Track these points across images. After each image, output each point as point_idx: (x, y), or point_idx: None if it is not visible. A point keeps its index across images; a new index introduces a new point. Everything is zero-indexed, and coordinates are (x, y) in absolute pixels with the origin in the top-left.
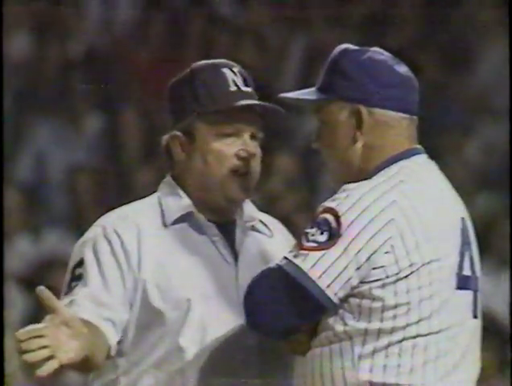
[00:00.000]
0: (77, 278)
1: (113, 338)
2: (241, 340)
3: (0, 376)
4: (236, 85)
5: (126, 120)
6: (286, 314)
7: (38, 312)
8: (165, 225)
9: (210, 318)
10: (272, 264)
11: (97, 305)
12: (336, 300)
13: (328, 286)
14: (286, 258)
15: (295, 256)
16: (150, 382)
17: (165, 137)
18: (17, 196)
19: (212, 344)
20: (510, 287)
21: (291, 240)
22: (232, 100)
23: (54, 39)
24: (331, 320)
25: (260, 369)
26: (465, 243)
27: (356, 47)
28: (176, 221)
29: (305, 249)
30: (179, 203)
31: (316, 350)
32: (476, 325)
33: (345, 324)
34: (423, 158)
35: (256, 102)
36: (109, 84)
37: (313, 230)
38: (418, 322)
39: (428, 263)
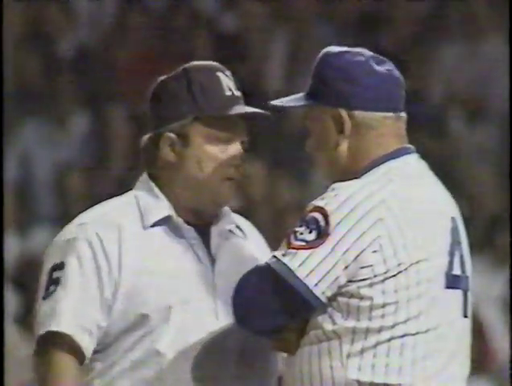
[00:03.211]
0: (55, 282)
1: (88, 348)
2: (219, 345)
3: (0, 375)
4: (230, 90)
5: (113, 118)
6: (274, 312)
7: (26, 310)
8: (144, 227)
9: (188, 322)
10: (261, 263)
11: (75, 315)
12: (323, 299)
13: (316, 285)
14: (274, 256)
15: (284, 255)
16: (126, 385)
17: (148, 136)
18: (6, 195)
19: (190, 349)
20: (510, 287)
21: (263, 242)
22: (228, 106)
23: (41, 38)
24: (319, 319)
25: (239, 374)
26: (455, 242)
27: (336, 51)
28: (155, 223)
29: (293, 248)
30: (159, 204)
31: (305, 348)
32: (465, 324)
33: (334, 323)
34: (413, 158)
35: (256, 110)
36: (95, 83)
37: (302, 228)
38: (406, 321)
39: (417, 262)
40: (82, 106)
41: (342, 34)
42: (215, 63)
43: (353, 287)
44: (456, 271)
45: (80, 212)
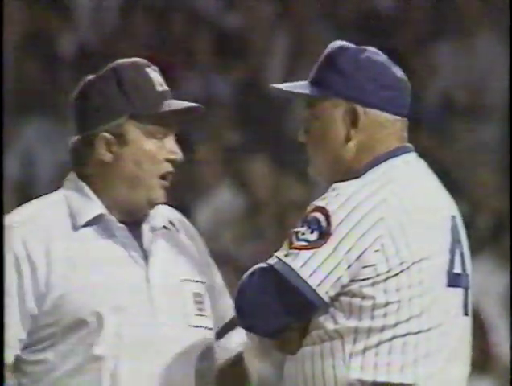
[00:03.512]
0: None
1: (8, 362)
2: (157, 346)
3: (0, 375)
4: (160, 85)
5: None
6: (277, 313)
7: None
8: (75, 228)
9: (124, 324)
10: (262, 264)
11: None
12: (326, 298)
13: (319, 285)
14: (276, 257)
15: (286, 255)
16: None
17: (79, 137)
18: (6, 194)
19: (127, 352)
20: (510, 286)
21: (196, 234)
22: (160, 101)
23: (42, 37)
24: (321, 319)
25: (180, 376)
26: (456, 241)
27: (352, 45)
28: (87, 223)
29: (295, 248)
30: (90, 204)
31: (307, 348)
32: (466, 322)
33: (336, 323)
34: (412, 156)
35: (190, 104)
36: None
37: (303, 229)
38: (408, 319)
39: (418, 261)
40: None
41: (342, 32)
42: (141, 59)
43: (355, 286)
44: (457, 269)
45: None
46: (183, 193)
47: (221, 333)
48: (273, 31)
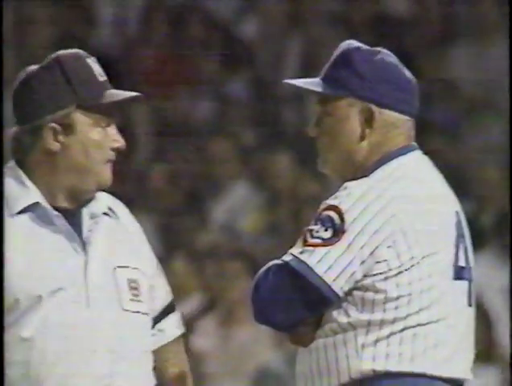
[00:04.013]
0: None
1: None
2: (89, 333)
3: (0, 374)
4: (101, 75)
5: (138, 116)
6: (293, 308)
7: None
8: (11, 215)
9: (58, 308)
10: (277, 261)
11: None
12: (341, 293)
13: (334, 281)
14: (291, 254)
15: (301, 253)
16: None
17: (23, 127)
18: None
19: (57, 338)
20: (510, 285)
21: (134, 221)
22: (103, 91)
23: (69, 39)
24: (335, 312)
25: (114, 358)
26: (460, 235)
27: (366, 46)
28: (22, 211)
29: (311, 245)
30: (25, 191)
31: (321, 340)
32: (471, 313)
33: (349, 316)
34: (418, 154)
35: (134, 93)
36: (119, 83)
37: (317, 227)
38: (418, 311)
39: (428, 256)
40: None
41: (354, 35)
42: (81, 51)
43: (368, 281)
44: (462, 262)
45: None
46: (201, 188)
47: (159, 318)
48: (287, 34)
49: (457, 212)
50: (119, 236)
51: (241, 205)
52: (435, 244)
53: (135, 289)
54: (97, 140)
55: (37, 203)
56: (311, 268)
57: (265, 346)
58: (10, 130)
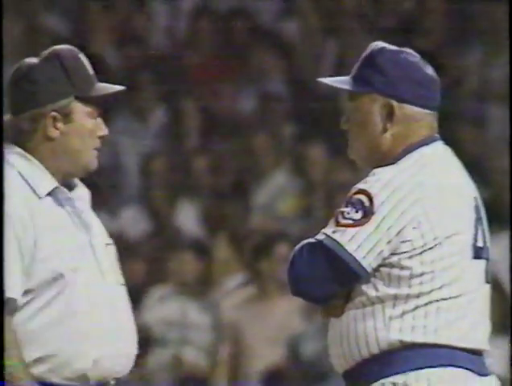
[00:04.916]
0: None
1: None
2: (109, 302)
3: (0, 374)
4: (91, 70)
5: (186, 112)
6: (325, 282)
7: None
8: (38, 198)
9: (83, 284)
10: (311, 239)
11: (17, 282)
12: (369, 269)
13: (364, 257)
14: (324, 234)
15: (334, 232)
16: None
17: (23, 115)
18: (96, 180)
19: (84, 312)
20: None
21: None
22: (94, 84)
23: (127, 42)
24: (364, 287)
25: (131, 330)
26: (478, 218)
27: (392, 47)
28: (48, 194)
29: (342, 226)
30: (46, 176)
31: (351, 312)
32: (487, 289)
33: (377, 290)
34: (440, 144)
35: (119, 87)
36: (171, 82)
37: (348, 209)
38: (441, 287)
39: (449, 236)
40: (160, 102)
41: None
42: (72, 46)
43: (394, 259)
44: (480, 243)
45: (161, 193)
46: (245, 176)
47: None
48: (323, 38)
49: (475, 198)
50: (95, 216)
51: (280, 191)
52: (456, 226)
53: (117, 263)
54: (90, 128)
55: (57, 186)
56: (342, 246)
57: (297, 319)
58: (5, 117)
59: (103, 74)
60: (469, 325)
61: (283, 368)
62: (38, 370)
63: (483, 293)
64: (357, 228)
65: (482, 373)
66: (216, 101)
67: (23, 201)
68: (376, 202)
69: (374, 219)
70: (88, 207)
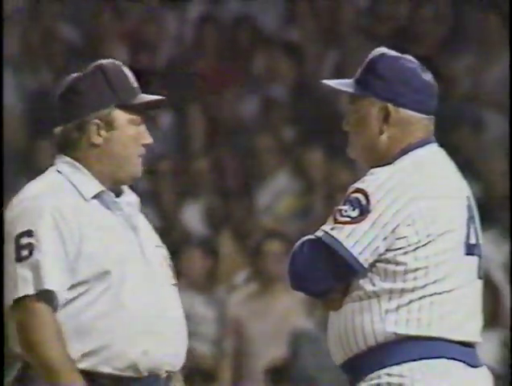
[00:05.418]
0: (26, 247)
1: (60, 304)
2: (159, 296)
3: (0, 374)
4: (134, 82)
5: (192, 116)
6: (324, 277)
7: None
8: (84, 200)
9: (129, 286)
10: (311, 236)
11: (56, 275)
12: (366, 265)
13: (360, 253)
14: (323, 230)
15: (332, 229)
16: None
17: (69, 124)
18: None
19: (131, 310)
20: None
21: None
22: (137, 95)
23: (139, 50)
24: (361, 281)
25: (183, 332)
26: (470, 217)
27: (392, 53)
28: (93, 197)
29: (340, 223)
30: (92, 181)
31: (348, 305)
32: (479, 284)
33: (373, 284)
34: (434, 147)
35: (160, 97)
36: (179, 89)
37: (346, 207)
38: (434, 282)
39: (442, 234)
40: (168, 107)
41: (379, 45)
42: (118, 61)
43: (390, 255)
44: (472, 240)
45: (168, 192)
46: (247, 177)
47: None
48: (323, 44)
49: (468, 197)
50: (146, 222)
51: (282, 191)
52: (449, 223)
53: (169, 265)
54: (133, 135)
55: (103, 190)
56: (340, 243)
57: (298, 313)
58: (57, 129)
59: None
60: (462, 318)
61: (286, 363)
62: (90, 362)
63: (475, 288)
64: (354, 225)
65: (474, 364)
66: (220, 106)
67: (69, 202)
68: (372, 200)
69: (371, 217)
70: (137, 212)
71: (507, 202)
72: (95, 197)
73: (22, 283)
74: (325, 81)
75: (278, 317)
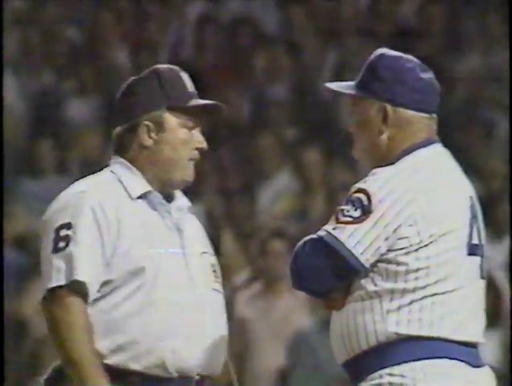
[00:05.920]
0: (64, 239)
1: (92, 296)
2: (194, 304)
3: (0, 374)
4: (191, 87)
5: None
6: (326, 277)
7: None
8: (130, 198)
9: (164, 287)
10: (313, 235)
11: (90, 268)
12: (367, 265)
13: (362, 253)
14: (325, 230)
15: (334, 229)
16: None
17: (123, 126)
18: None
19: (164, 312)
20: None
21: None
22: (191, 99)
23: (145, 51)
24: (363, 281)
25: (216, 333)
26: (473, 217)
27: (392, 53)
28: (139, 197)
29: (342, 223)
30: (140, 181)
31: (351, 305)
32: (482, 284)
33: (375, 284)
34: (438, 146)
35: (214, 102)
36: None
37: (348, 207)
38: (436, 282)
39: (444, 234)
40: None
41: (379, 46)
42: (176, 66)
43: (391, 255)
44: (475, 240)
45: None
46: (249, 176)
47: None
48: (323, 45)
49: (471, 197)
50: (196, 228)
51: (282, 191)
52: (451, 224)
53: (215, 271)
54: (184, 138)
55: (149, 191)
56: (342, 243)
57: (301, 314)
58: (115, 130)
59: None
60: (464, 318)
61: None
62: (119, 358)
63: (478, 288)
64: (355, 225)
65: (477, 365)
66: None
67: (113, 199)
68: (374, 200)
69: (372, 217)
70: (187, 216)
71: (507, 201)
72: (142, 197)
73: (55, 274)
74: (327, 84)
75: (281, 316)
